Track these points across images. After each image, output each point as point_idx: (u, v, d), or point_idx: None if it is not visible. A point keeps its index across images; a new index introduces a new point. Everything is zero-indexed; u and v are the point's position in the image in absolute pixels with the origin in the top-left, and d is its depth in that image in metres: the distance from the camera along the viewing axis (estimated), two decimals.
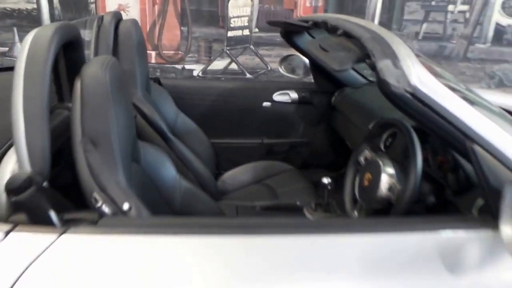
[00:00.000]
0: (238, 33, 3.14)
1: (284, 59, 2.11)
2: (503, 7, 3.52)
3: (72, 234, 0.71)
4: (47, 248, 0.68)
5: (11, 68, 1.59)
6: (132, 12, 2.81)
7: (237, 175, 1.84)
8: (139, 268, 0.71)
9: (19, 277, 0.66)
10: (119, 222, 0.78)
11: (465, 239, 0.78)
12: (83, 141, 0.84)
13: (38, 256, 0.67)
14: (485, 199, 0.82)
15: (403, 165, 1.15)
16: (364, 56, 0.90)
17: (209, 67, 3.24)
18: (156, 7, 2.89)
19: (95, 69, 0.86)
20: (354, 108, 1.81)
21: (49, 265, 0.68)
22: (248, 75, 3.26)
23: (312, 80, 2.05)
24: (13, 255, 0.68)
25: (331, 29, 1.22)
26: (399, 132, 1.22)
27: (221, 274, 0.72)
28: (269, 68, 3.24)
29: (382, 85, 0.81)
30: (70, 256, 0.70)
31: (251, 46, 3.21)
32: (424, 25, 3.51)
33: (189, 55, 3.12)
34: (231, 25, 3.11)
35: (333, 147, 2.08)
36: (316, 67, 1.98)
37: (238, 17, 3.08)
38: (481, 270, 0.77)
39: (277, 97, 1.99)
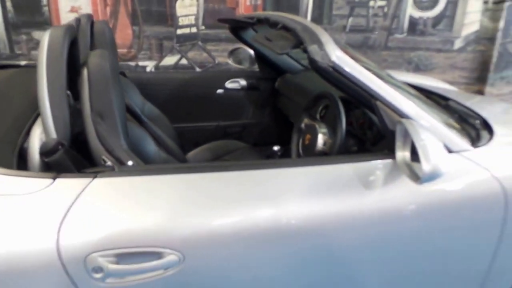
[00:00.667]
0: (186, 30, 3.39)
1: (232, 52, 2.42)
2: (415, 1, 4.07)
3: (101, 177, 0.98)
4: (85, 187, 0.95)
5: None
6: None
7: (198, 154, 2.12)
8: (147, 196, 0.99)
9: (69, 208, 0.91)
10: (129, 169, 1.05)
11: (376, 167, 1.15)
12: (92, 115, 1.10)
13: (80, 192, 0.94)
14: (387, 139, 1.19)
15: (333, 126, 1.51)
16: (299, 43, 1.23)
17: (161, 63, 3.46)
18: (108, 9, 3.06)
19: (99, 59, 1.12)
20: (295, 90, 2.16)
21: (89, 198, 0.94)
22: (197, 69, 3.53)
23: (258, 69, 2.38)
24: (62, 193, 0.93)
25: (272, 24, 1.54)
26: (330, 102, 1.58)
27: (202, 199, 1.01)
28: (216, 61, 3.53)
29: (312, 63, 1.14)
30: (103, 190, 0.97)
31: (199, 42, 3.48)
32: (350, 19, 3.97)
33: (141, 53, 3.33)
34: (179, 24, 3.35)
35: (279, 125, 2.43)
36: (260, 58, 2.30)
37: (185, 16, 3.33)
38: (385, 186, 1.13)
39: (229, 84, 2.30)
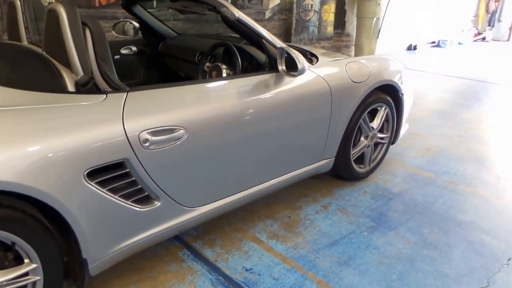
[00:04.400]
0: None
1: (116, 25, 2.91)
2: None
3: (130, 92, 1.54)
4: (126, 97, 1.50)
5: None
6: None
7: None
8: (156, 99, 1.60)
9: (123, 107, 1.47)
10: (139, 89, 1.60)
11: (270, 77, 1.98)
12: (97, 59, 1.60)
13: (125, 99, 1.49)
14: (270, 62, 2.03)
15: (231, 63, 2.28)
16: (212, 7, 1.92)
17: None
18: None
19: (94, 22, 1.62)
20: (178, 50, 2.84)
21: (130, 102, 1.50)
22: None
23: (142, 37, 2.96)
24: (115, 101, 1.48)
25: None
26: (226, 48, 2.34)
27: (187, 99, 1.70)
28: None
29: (225, 19, 1.85)
30: (134, 98, 1.53)
31: None
32: None
33: (5, 34, 3.36)
34: None
35: (164, 80, 3.06)
36: (144, 28, 2.88)
37: None
38: (273, 86, 1.99)
39: (123, 51, 2.82)
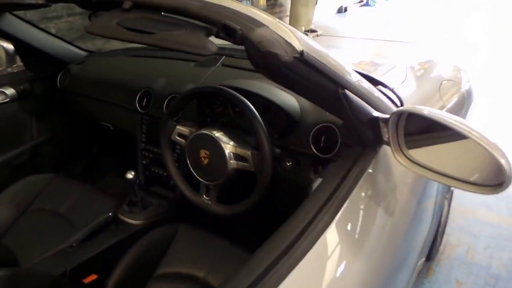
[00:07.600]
0: None
1: None
2: None
3: None
4: None
5: None
6: None
7: None
8: None
9: None
10: None
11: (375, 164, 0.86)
12: None
13: None
14: (360, 130, 0.86)
15: (236, 128, 1.09)
16: (220, 29, 0.62)
17: None
18: None
19: None
20: (96, 86, 1.57)
21: None
22: None
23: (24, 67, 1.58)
24: None
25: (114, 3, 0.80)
26: (217, 99, 1.17)
27: None
28: None
29: (269, 58, 0.61)
30: None
31: None
32: None
33: None
34: None
35: (81, 132, 1.78)
36: (24, 50, 1.53)
37: None
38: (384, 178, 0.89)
39: None
